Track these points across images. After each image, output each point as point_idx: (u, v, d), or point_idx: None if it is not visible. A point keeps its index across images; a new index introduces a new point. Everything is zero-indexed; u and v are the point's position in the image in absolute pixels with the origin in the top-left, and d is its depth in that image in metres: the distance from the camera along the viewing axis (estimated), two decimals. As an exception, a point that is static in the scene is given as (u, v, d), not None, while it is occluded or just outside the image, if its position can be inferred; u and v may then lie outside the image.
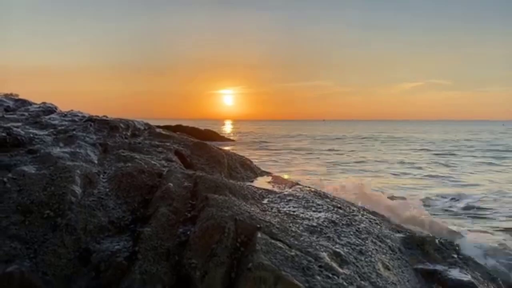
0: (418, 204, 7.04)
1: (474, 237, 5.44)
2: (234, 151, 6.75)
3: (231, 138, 38.20)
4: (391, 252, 3.85)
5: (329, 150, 26.30)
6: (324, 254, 3.01)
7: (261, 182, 5.16)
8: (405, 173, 15.08)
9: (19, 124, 4.90)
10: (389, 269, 3.42)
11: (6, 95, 7.02)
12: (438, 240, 4.49)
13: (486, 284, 3.99)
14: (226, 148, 6.91)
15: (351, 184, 7.14)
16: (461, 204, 9.19)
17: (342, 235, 3.56)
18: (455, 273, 3.92)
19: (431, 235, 4.75)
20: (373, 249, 3.56)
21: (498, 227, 7.29)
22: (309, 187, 5.12)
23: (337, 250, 3.20)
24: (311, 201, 4.22)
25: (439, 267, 3.98)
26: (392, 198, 7.63)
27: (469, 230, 6.07)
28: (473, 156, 23.07)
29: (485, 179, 13.84)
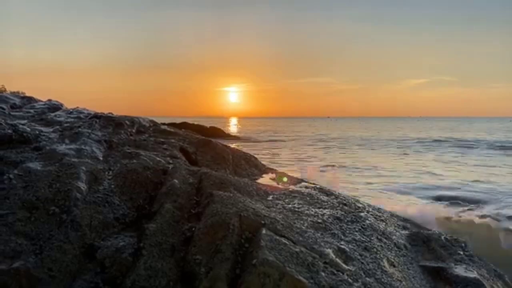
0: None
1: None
2: (239, 148, 6.74)
3: (236, 135, 38.20)
4: (396, 249, 3.84)
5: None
6: (329, 251, 3.00)
7: (266, 179, 5.16)
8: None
9: (25, 121, 4.93)
10: (394, 266, 3.41)
11: (12, 93, 7.07)
12: (444, 237, 4.47)
13: (492, 281, 3.97)
14: (231, 145, 6.89)
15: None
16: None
17: (347, 231, 3.55)
18: (461, 270, 3.89)
19: (437, 232, 4.73)
20: (378, 246, 3.55)
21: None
22: (314, 184, 5.12)
23: (342, 246, 3.19)
24: (316, 197, 4.21)
25: (444, 264, 3.96)
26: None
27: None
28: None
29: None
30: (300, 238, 3.04)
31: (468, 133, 38.34)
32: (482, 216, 5.83)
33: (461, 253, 4.27)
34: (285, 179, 5.24)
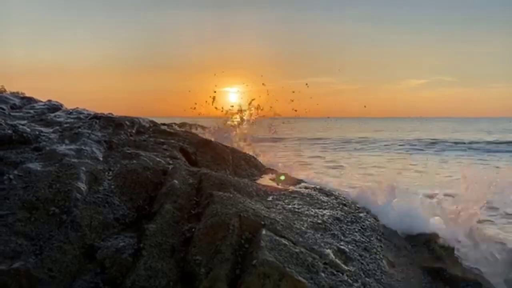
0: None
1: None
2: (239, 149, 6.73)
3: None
4: (396, 250, 3.84)
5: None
6: (329, 251, 3.01)
7: (266, 179, 5.16)
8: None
9: (25, 121, 4.93)
10: (394, 267, 3.41)
11: (12, 93, 7.07)
12: (444, 238, 4.47)
13: (491, 281, 3.97)
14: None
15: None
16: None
17: (347, 232, 3.55)
18: (461, 271, 3.90)
19: (436, 233, 4.73)
20: (378, 246, 3.55)
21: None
22: (314, 184, 5.11)
23: (342, 247, 3.19)
24: (316, 198, 4.21)
25: (444, 265, 3.97)
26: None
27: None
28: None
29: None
30: (300, 239, 3.04)
31: (467, 134, 37.97)
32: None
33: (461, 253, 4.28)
34: (284, 179, 5.24)
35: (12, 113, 5.24)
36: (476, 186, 4.98)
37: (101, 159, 4.11)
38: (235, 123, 7.81)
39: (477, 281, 3.76)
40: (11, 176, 3.32)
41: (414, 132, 39.90)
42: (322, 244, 3.09)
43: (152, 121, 6.14)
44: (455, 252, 4.26)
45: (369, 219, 4.08)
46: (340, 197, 4.53)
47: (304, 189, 4.49)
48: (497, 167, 15.34)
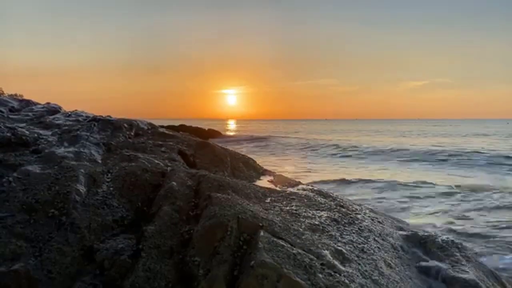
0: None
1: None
2: (237, 151, 6.76)
3: (235, 137, 38.12)
4: (393, 250, 3.86)
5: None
6: (326, 252, 3.03)
7: (264, 181, 5.18)
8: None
9: (24, 124, 4.95)
10: (391, 267, 3.43)
11: (10, 96, 7.09)
12: (441, 238, 4.49)
13: (489, 283, 3.99)
14: (229, 147, 6.89)
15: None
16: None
17: (344, 233, 3.57)
18: (458, 272, 3.92)
19: (433, 233, 4.75)
20: (375, 247, 3.57)
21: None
22: (311, 186, 5.14)
23: (339, 248, 3.21)
24: (313, 199, 4.23)
25: (442, 265, 3.98)
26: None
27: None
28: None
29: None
30: (298, 240, 3.06)
31: (464, 139, 36.32)
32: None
33: (458, 254, 4.29)
34: (283, 181, 5.26)
35: (10, 116, 5.26)
36: None
37: (99, 161, 4.13)
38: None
39: (475, 282, 3.78)
40: (10, 179, 3.34)
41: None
42: (320, 245, 3.11)
43: (150, 123, 6.16)
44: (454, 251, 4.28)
45: (366, 220, 4.11)
46: (338, 199, 4.55)
47: (301, 191, 4.51)
48: None
